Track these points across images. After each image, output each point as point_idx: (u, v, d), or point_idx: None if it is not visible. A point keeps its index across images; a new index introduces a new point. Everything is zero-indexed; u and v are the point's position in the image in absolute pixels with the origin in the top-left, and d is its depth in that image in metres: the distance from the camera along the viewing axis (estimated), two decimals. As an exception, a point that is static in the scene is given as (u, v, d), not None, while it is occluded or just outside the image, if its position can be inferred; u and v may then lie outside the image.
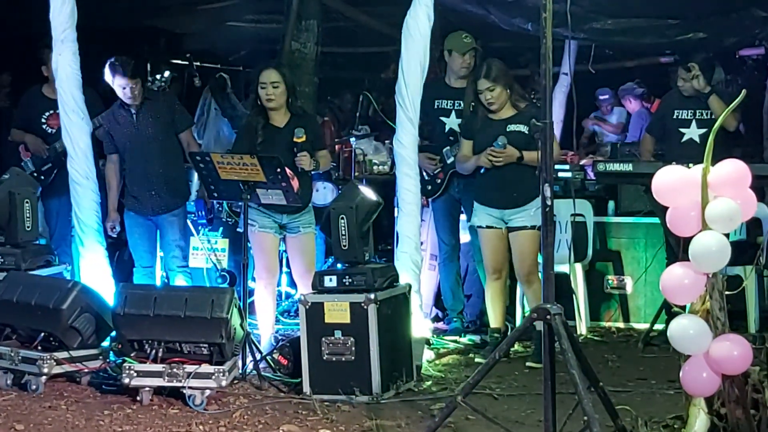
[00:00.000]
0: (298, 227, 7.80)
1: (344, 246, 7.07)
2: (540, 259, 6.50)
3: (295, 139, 7.60)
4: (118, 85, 8.34)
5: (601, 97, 13.18)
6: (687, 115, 8.71)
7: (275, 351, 7.49)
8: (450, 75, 8.73)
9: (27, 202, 7.84)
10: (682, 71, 8.75)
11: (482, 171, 7.93)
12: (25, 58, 10.84)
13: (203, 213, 9.25)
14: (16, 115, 9.75)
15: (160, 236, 8.62)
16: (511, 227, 7.83)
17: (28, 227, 7.85)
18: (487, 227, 7.94)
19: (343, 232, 7.04)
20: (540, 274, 6.34)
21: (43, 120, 9.18)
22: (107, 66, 8.37)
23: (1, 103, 11.08)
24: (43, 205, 9.14)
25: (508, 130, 7.79)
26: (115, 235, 8.62)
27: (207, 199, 8.78)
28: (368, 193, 7.27)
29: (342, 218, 7.04)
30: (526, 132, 7.67)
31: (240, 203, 7.78)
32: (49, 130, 9.00)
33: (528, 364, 7.66)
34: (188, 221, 8.97)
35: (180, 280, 8.50)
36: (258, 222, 7.75)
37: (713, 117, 8.33)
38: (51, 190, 8.99)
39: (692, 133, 8.62)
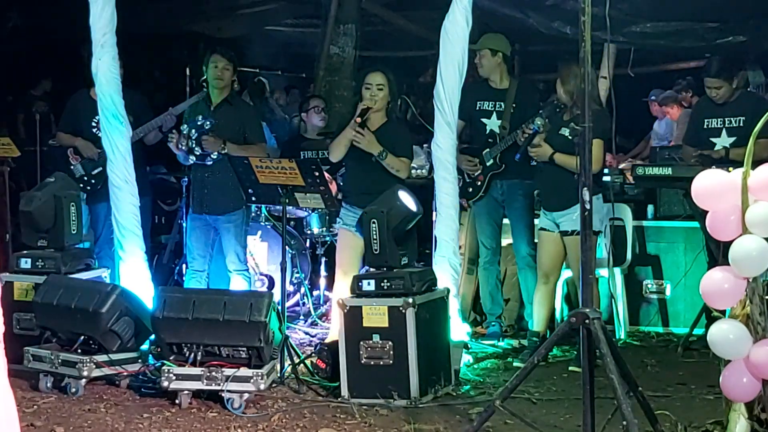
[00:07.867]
0: None
1: (375, 251, 7.03)
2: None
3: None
4: (212, 63, 8.33)
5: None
6: (717, 123, 8.27)
7: (313, 354, 7.50)
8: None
9: (72, 206, 7.85)
10: (708, 81, 8.21)
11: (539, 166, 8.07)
12: (65, 62, 10.92)
13: None
14: (62, 119, 9.61)
15: (219, 240, 8.57)
16: (562, 231, 7.85)
17: (74, 231, 7.86)
18: (542, 230, 8.03)
19: (375, 237, 7.00)
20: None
21: (93, 123, 8.97)
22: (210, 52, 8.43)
23: (40, 109, 11.10)
24: (90, 209, 9.16)
25: (560, 130, 7.79)
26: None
27: None
28: (407, 200, 7.11)
29: (373, 222, 6.99)
30: (568, 135, 7.65)
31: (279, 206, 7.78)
32: (100, 134, 8.80)
33: (570, 368, 7.63)
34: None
35: (238, 283, 8.40)
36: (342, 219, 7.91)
37: (744, 124, 7.99)
38: (99, 194, 8.90)
39: (723, 143, 8.20)
